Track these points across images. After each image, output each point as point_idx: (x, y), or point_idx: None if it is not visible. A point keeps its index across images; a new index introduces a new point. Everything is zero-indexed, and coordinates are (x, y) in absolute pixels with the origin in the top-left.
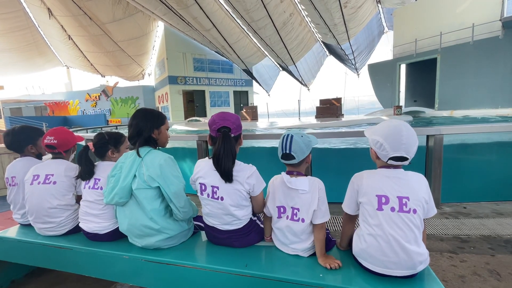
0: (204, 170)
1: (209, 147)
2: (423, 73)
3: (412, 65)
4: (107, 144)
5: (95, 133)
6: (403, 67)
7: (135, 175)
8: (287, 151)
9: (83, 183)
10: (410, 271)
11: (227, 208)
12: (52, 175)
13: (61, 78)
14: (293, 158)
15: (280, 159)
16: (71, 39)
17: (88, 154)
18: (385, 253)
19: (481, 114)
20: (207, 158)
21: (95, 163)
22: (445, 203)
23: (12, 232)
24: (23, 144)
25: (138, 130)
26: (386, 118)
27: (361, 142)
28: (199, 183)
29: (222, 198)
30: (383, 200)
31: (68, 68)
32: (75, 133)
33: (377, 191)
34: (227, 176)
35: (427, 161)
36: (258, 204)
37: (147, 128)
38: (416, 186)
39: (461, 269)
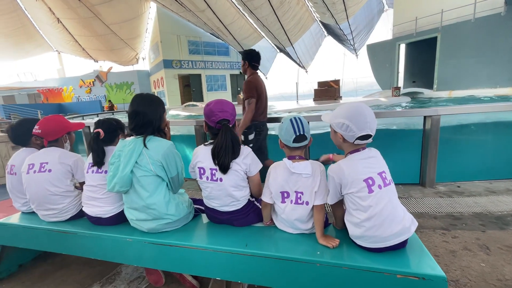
0: (202, 154)
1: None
2: (422, 53)
3: (411, 44)
4: (117, 129)
5: (97, 120)
6: (402, 47)
7: (137, 162)
8: (302, 133)
9: (86, 167)
10: (406, 235)
11: (227, 189)
12: (47, 163)
13: (53, 64)
14: (306, 138)
15: (292, 143)
16: (61, 22)
17: (101, 142)
18: (385, 230)
19: (480, 94)
20: (202, 145)
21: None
22: (440, 183)
23: (15, 219)
24: (25, 138)
25: (148, 120)
26: (385, 100)
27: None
28: (198, 167)
29: (221, 179)
30: (370, 182)
31: (59, 53)
32: (71, 121)
33: (362, 177)
34: (225, 168)
35: (423, 141)
36: (255, 186)
37: (156, 116)
38: (382, 160)
39: (453, 245)
